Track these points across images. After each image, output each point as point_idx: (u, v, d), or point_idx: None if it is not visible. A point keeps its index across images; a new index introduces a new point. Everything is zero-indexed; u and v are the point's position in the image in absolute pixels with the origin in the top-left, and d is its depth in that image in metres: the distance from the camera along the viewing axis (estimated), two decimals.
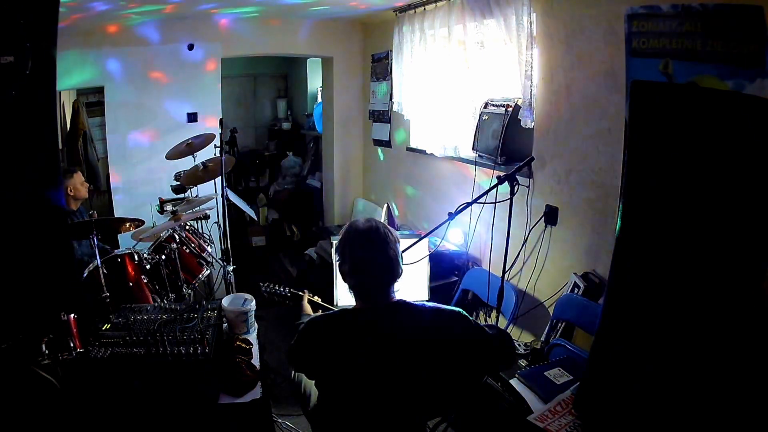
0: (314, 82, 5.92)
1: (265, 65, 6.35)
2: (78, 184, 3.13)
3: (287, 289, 2.14)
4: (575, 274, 2.33)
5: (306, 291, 2.12)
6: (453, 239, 3.11)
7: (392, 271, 1.47)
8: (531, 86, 2.45)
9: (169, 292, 2.74)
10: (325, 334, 1.50)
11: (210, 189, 3.39)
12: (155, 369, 1.62)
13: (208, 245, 3.16)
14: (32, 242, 1.89)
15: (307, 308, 2.04)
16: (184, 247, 2.92)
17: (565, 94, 2.38)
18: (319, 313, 1.98)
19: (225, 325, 2.02)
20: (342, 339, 1.46)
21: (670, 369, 1.38)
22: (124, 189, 3.92)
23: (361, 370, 1.44)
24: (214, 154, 3.37)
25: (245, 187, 6.13)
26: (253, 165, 6.20)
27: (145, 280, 2.65)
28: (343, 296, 2.30)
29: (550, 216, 2.51)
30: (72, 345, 1.69)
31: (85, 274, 2.51)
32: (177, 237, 2.88)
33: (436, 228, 2.32)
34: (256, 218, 5.10)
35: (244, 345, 1.89)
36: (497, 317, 2.32)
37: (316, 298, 2.12)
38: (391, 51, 3.67)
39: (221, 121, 2.99)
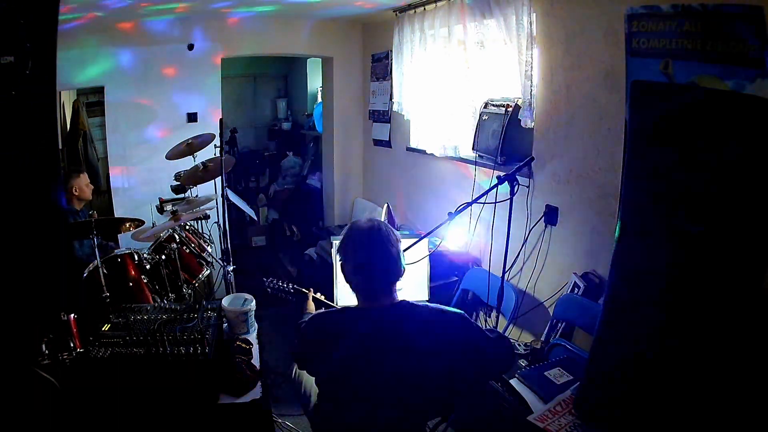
0: (314, 82, 5.92)
1: (265, 65, 6.34)
2: (83, 185, 3.16)
3: (291, 285, 2.13)
4: (575, 274, 2.33)
5: (311, 289, 2.12)
6: (453, 239, 3.11)
7: (395, 270, 1.48)
8: (531, 86, 2.45)
9: (169, 292, 2.74)
10: (327, 331, 1.50)
11: (210, 189, 3.39)
12: (155, 369, 1.62)
13: (208, 245, 3.16)
14: (32, 242, 1.89)
15: (311, 308, 2.03)
16: (184, 247, 2.92)
17: (565, 94, 2.38)
18: (323, 309, 1.98)
19: (225, 325, 2.02)
20: (344, 337, 1.46)
21: (670, 369, 1.38)
22: (124, 189, 3.92)
23: (362, 369, 1.44)
24: (214, 154, 3.36)
25: (245, 187, 6.12)
26: (253, 165, 6.19)
27: (145, 280, 2.64)
28: (344, 296, 2.30)
29: (550, 216, 2.51)
30: (72, 345, 1.69)
31: (85, 274, 2.51)
32: (177, 237, 2.88)
33: (436, 228, 2.32)
34: (256, 218, 5.09)
35: (244, 345, 1.89)
36: (497, 317, 2.32)
37: (320, 296, 2.12)
38: (391, 51, 3.67)
39: (221, 121, 2.98)
